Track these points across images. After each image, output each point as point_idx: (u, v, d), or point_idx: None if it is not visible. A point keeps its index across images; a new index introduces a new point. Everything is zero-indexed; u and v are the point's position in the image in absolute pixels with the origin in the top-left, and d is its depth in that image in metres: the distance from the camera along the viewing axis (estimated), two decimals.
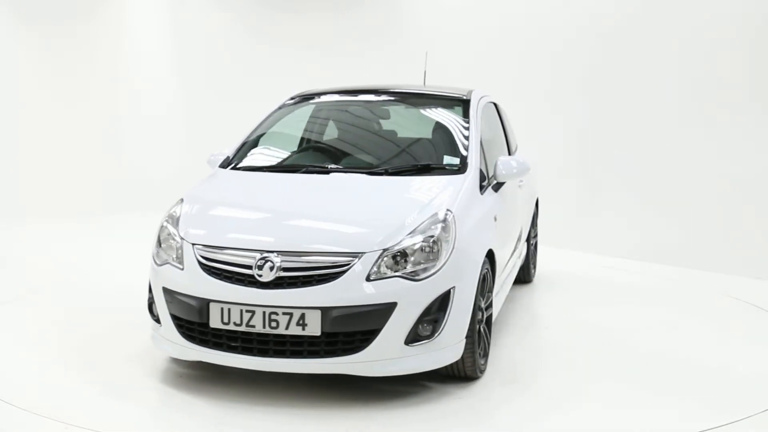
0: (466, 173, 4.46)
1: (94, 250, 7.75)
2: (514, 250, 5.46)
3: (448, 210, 4.01)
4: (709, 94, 7.36)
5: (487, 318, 4.36)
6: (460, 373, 4.12)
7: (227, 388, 4.04)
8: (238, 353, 3.79)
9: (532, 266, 6.50)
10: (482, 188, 4.55)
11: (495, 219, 4.54)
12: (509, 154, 5.83)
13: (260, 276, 3.75)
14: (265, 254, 3.78)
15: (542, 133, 8.21)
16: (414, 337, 3.76)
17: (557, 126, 8.29)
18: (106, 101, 10.61)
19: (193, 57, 10.80)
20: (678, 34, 7.51)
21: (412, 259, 3.80)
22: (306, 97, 5.51)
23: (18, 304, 5.72)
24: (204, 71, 10.76)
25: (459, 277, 3.89)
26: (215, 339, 3.84)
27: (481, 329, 4.23)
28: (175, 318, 3.98)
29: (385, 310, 3.69)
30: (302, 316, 3.66)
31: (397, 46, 9.47)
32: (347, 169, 4.64)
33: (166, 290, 4.01)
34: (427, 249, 3.83)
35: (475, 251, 4.08)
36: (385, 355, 3.73)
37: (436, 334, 3.81)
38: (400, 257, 3.79)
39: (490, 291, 4.41)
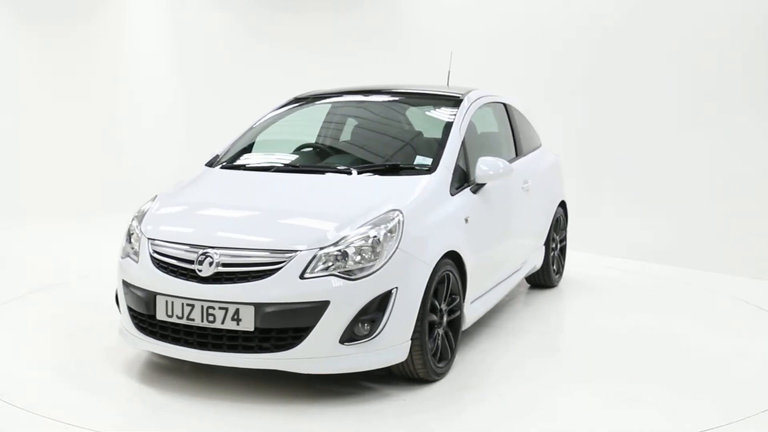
0: (433, 174, 4.43)
1: (94, 250, 7.74)
2: (511, 254, 5.35)
3: (397, 210, 4.00)
4: (709, 95, 7.36)
5: (451, 321, 4.31)
6: (413, 376, 4.10)
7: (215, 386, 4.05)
8: (181, 345, 3.90)
9: (553, 271, 6.30)
10: (458, 189, 4.51)
11: (466, 221, 4.46)
12: (516, 155, 5.69)
13: (200, 271, 3.85)
14: (206, 250, 3.88)
15: (542, 133, 8.19)
16: (350, 337, 3.77)
17: (557, 126, 8.28)
18: (106, 101, 10.61)
19: (193, 57, 10.80)
20: (678, 35, 7.52)
21: (352, 258, 3.80)
22: (302, 100, 5.57)
23: (18, 304, 5.73)
24: (204, 71, 10.76)
25: (403, 278, 3.87)
26: (162, 331, 3.97)
27: (440, 332, 4.19)
28: (130, 309, 4.15)
29: (318, 308, 3.71)
30: (237, 311, 3.73)
31: (397, 46, 9.47)
32: (318, 169, 4.71)
33: (124, 283, 4.19)
34: (367, 248, 3.83)
35: (428, 253, 4.02)
36: (318, 353, 3.75)
37: (375, 335, 3.80)
38: (339, 256, 3.80)
39: (457, 293, 4.35)
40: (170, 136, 10.79)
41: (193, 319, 3.82)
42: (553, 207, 6.24)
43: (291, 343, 3.73)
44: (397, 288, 3.84)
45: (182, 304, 3.85)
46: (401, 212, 4.00)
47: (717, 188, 7.32)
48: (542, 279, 6.25)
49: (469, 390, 4.14)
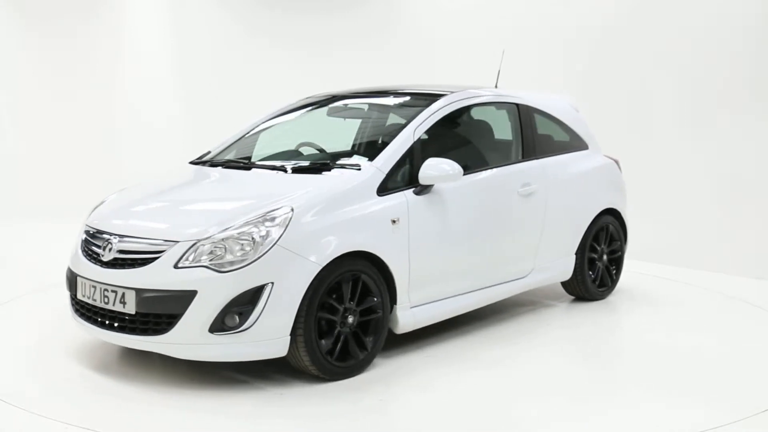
0: (356, 173, 4.42)
1: None
2: (492, 261, 5.09)
3: (288, 207, 4.06)
4: (709, 94, 7.36)
5: (363, 322, 4.25)
6: (307, 372, 4.15)
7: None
8: (89, 323, 4.25)
9: (590, 281, 5.82)
10: (392, 189, 4.44)
11: (393, 222, 4.37)
12: (523, 157, 5.38)
13: (103, 256, 4.20)
14: (110, 237, 4.23)
15: None
16: (220, 327, 3.90)
17: None
18: (106, 101, 10.61)
19: (193, 57, 10.80)
20: (677, 34, 7.51)
21: (230, 251, 3.91)
22: (303, 104, 5.65)
23: (18, 304, 5.73)
24: (204, 71, 10.75)
25: (280, 274, 3.92)
26: (81, 310, 4.34)
27: (345, 331, 4.16)
28: (69, 292, 4.52)
29: (186, 297, 3.88)
30: (123, 295, 4.03)
31: (397, 46, 9.46)
32: (262, 166, 4.83)
33: (68, 267, 4.54)
34: (247, 243, 3.93)
35: (319, 251, 4.02)
36: (187, 340, 3.93)
37: (246, 327, 3.89)
38: (217, 248, 3.93)
39: (379, 296, 4.28)
40: (170, 136, 10.78)
41: (95, 300, 4.16)
42: (589, 214, 5.78)
43: (165, 328, 3.94)
44: (272, 283, 3.90)
45: (89, 285, 4.21)
46: (292, 209, 4.06)
47: (717, 188, 7.31)
48: (578, 290, 5.84)
49: (354, 392, 4.05)
